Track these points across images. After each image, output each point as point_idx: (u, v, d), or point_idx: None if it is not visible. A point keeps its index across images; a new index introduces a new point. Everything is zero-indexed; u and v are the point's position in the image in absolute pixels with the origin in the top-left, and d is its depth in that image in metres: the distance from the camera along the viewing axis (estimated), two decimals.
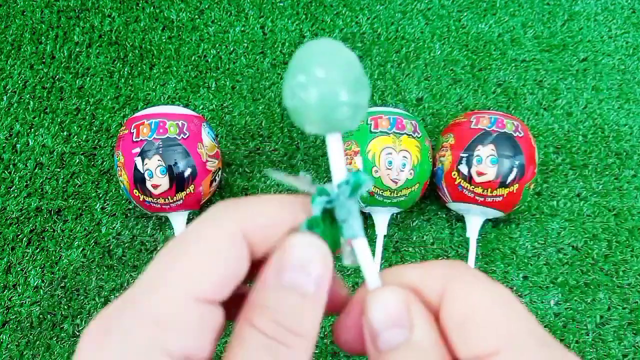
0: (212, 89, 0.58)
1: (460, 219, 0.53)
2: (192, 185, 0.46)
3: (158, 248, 0.51)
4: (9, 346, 0.48)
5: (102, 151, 0.55)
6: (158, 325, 0.14)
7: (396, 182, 0.46)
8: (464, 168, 0.47)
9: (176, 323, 0.14)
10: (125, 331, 0.14)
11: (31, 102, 0.57)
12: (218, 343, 0.16)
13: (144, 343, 0.14)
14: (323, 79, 0.15)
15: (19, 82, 0.58)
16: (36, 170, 0.55)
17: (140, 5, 0.62)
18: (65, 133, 0.56)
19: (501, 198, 0.46)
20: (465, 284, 0.17)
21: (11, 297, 0.50)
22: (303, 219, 0.17)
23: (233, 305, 0.17)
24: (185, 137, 0.46)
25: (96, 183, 0.54)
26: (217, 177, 0.49)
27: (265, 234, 0.16)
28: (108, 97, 0.58)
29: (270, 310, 0.15)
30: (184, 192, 0.46)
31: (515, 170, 0.46)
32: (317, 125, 0.16)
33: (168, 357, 0.14)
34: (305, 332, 0.15)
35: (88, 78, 0.59)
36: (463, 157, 0.47)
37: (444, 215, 0.53)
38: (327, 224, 0.17)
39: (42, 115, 0.57)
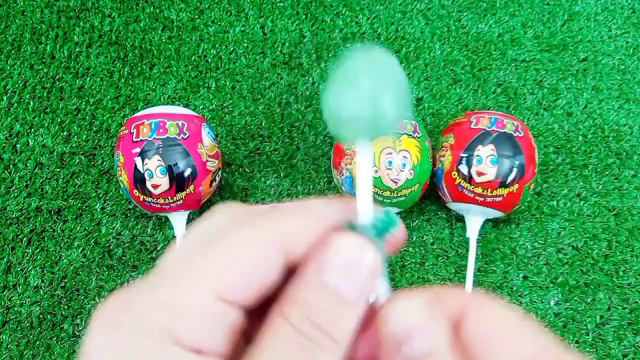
0: (212, 89, 0.58)
1: (460, 219, 0.53)
2: (192, 185, 0.46)
3: (158, 248, 0.51)
4: (9, 346, 0.48)
5: (102, 151, 0.55)
6: (172, 312, 0.14)
7: (396, 182, 0.46)
8: (464, 168, 0.47)
9: (191, 314, 0.14)
10: (139, 312, 0.14)
11: (31, 102, 0.57)
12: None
13: (155, 326, 0.14)
14: (376, 92, 0.15)
15: (19, 82, 0.58)
16: (36, 170, 0.55)
17: (140, 5, 0.62)
18: (65, 133, 0.56)
19: (501, 198, 0.46)
20: (488, 302, 0.16)
21: (11, 297, 0.50)
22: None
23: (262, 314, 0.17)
24: (185, 137, 0.46)
25: (96, 183, 0.54)
26: (217, 177, 0.49)
27: (300, 242, 0.16)
28: (108, 97, 0.58)
29: (307, 308, 0.15)
30: (184, 192, 0.46)
31: (515, 170, 0.46)
32: (361, 135, 0.16)
33: (176, 345, 0.14)
34: (339, 338, 0.15)
35: (88, 78, 0.59)
36: (463, 157, 0.47)
37: (444, 215, 0.53)
38: None
39: (42, 115, 0.57)
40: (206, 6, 0.62)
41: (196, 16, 0.62)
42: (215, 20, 0.62)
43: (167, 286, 0.14)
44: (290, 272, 0.16)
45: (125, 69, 0.59)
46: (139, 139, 0.45)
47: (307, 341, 0.14)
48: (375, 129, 0.16)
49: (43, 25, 0.61)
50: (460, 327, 0.16)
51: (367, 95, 0.15)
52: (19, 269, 0.51)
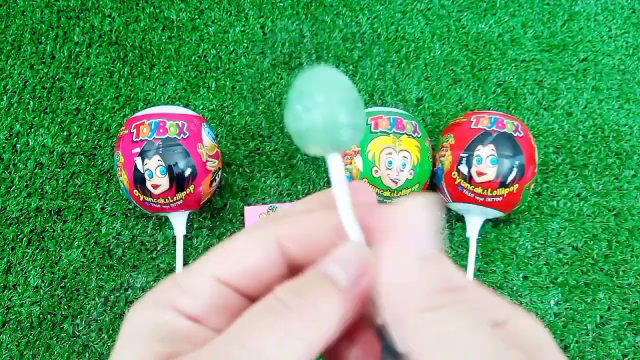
0: (212, 89, 0.58)
1: (460, 219, 0.53)
2: (192, 185, 0.46)
3: (158, 248, 0.51)
4: (9, 346, 0.48)
5: (102, 151, 0.55)
6: (179, 289, 0.17)
7: (396, 182, 0.46)
8: (464, 168, 0.47)
9: (193, 291, 0.17)
10: (158, 292, 0.17)
11: (31, 102, 0.57)
12: None
13: (164, 300, 0.17)
14: (326, 103, 0.17)
15: (19, 82, 0.58)
16: (36, 170, 0.55)
17: (140, 5, 0.62)
18: (65, 133, 0.56)
19: (501, 198, 0.46)
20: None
21: (11, 297, 0.50)
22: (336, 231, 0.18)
23: None
24: (185, 137, 0.46)
25: (96, 183, 0.54)
26: (217, 177, 0.49)
27: (301, 242, 0.18)
28: (108, 97, 0.58)
29: (295, 283, 0.16)
30: (184, 192, 0.46)
31: (515, 170, 0.46)
32: (321, 146, 0.18)
33: (175, 312, 0.17)
34: (320, 314, 0.16)
35: (88, 78, 0.59)
36: (463, 157, 0.47)
37: (444, 215, 0.53)
38: None
39: (42, 115, 0.57)
40: (206, 6, 0.62)
41: (196, 16, 0.62)
42: (215, 20, 0.62)
43: (183, 274, 0.18)
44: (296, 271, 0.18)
45: (125, 69, 0.59)
46: (139, 139, 0.45)
47: (280, 305, 0.16)
48: (333, 139, 0.17)
49: (43, 25, 0.61)
50: None
51: (319, 108, 0.17)
52: (19, 269, 0.51)
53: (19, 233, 0.52)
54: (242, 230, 0.19)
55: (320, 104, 0.17)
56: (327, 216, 0.18)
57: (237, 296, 0.17)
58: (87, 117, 0.57)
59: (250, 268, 0.18)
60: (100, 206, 0.53)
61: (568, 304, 0.50)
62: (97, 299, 0.50)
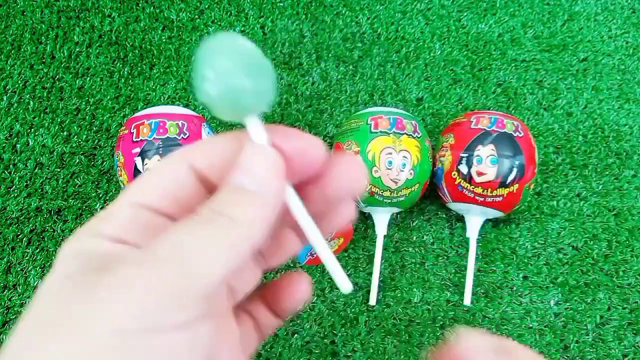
0: None
1: (460, 219, 0.53)
2: None
3: None
4: None
5: (102, 151, 0.55)
6: (97, 218, 0.18)
7: (396, 182, 0.46)
8: (464, 168, 0.47)
9: (111, 216, 0.18)
10: (84, 227, 0.18)
11: (31, 102, 0.57)
12: None
13: (88, 231, 0.18)
14: (222, 72, 0.17)
15: (19, 82, 0.58)
16: (36, 170, 0.55)
17: (140, 5, 0.62)
18: (65, 133, 0.56)
19: (501, 198, 0.46)
20: None
21: (11, 297, 0.50)
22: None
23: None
24: (185, 137, 0.46)
25: (96, 183, 0.54)
26: None
27: (209, 161, 0.19)
28: (108, 97, 0.58)
29: (211, 202, 0.17)
30: None
31: (515, 170, 0.46)
32: (229, 114, 0.18)
33: (98, 237, 0.17)
34: (240, 221, 0.17)
35: (88, 78, 0.59)
36: (463, 157, 0.47)
37: (444, 215, 0.53)
38: None
39: (42, 115, 0.57)
40: (206, 6, 0.62)
41: (196, 16, 0.62)
42: (215, 20, 0.62)
43: (109, 206, 0.19)
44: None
45: (125, 69, 0.59)
46: (139, 139, 0.45)
47: (200, 219, 0.17)
48: (238, 106, 0.18)
49: (43, 25, 0.61)
50: None
51: (218, 77, 0.17)
52: (19, 269, 0.51)
53: (19, 233, 0.52)
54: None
55: (217, 72, 0.17)
56: (233, 135, 0.19)
57: (158, 217, 0.18)
58: (87, 117, 0.57)
59: (164, 190, 0.18)
60: (100, 206, 0.53)
61: (568, 304, 0.50)
62: None
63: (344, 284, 0.19)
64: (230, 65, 0.17)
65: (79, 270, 0.16)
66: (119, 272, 0.15)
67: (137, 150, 0.45)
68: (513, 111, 0.57)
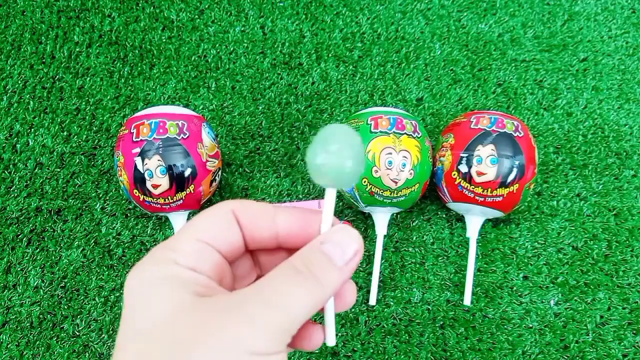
0: (212, 89, 0.58)
1: (460, 219, 0.53)
2: (192, 185, 0.46)
3: None
4: (9, 346, 0.48)
5: (102, 151, 0.55)
6: (172, 250, 0.21)
7: (396, 182, 0.46)
8: (464, 168, 0.47)
9: (183, 249, 0.21)
10: (154, 254, 0.21)
11: (31, 102, 0.57)
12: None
13: (162, 259, 0.21)
14: (339, 153, 0.22)
15: (19, 82, 0.58)
16: (36, 170, 0.55)
17: (140, 5, 0.62)
18: (65, 133, 0.56)
19: (501, 198, 0.46)
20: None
21: (11, 297, 0.50)
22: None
23: None
24: (185, 137, 0.46)
25: (96, 183, 0.54)
26: (217, 177, 0.49)
27: (252, 217, 0.23)
28: (108, 97, 0.58)
29: (304, 258, 0.21)
30: (184, 192, 0.46)
31: (515, 170, 0.46)
32: (329, 182, 0.23)
33: (176, 265, 0.21)
34: (325, 286, 0.21)
35: (88, 78, 0.59)
36: (463, 157, 0.47)
37: (444, 215, 0.53)
38: None
39: (42, 115, 0.57)
40: (206, 6, 0.62)
41: (196, 16, 0.62)
42: (215, 20, 0.62)
43: (171, 240, 0.22)
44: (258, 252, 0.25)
45: (125, 69, 0.59)
46: (139, 139, 0.45)
47: (298, 270, 0.21)
48: (339, 180, 0.23)
49: (43, 25, 0.61)
50: None
51: (335, 155, 0.22)
52: (19, 269, 0.51)
53: (19, 233, 0.52)
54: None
55: (336, 152, 0.22)
56: (272, 205, 0.24)
57: (217, 253, 0.22)
58: (87, 117, 0.57)
59: (218, 232, 0.22)
60: (100, 206, 0.53)
61: (568, 304, 0.50)
62: (97, 299, 0.50)
63: (332, 339, 0.25)
64: (348, 152, 0.23)
65: (187, 295, 0.20)
66: (244, 308, 0.19)
67: (137, 150, 0.45)
68: (513, 111, 0.57)
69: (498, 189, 0.46)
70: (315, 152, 0.23)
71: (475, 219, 0.49)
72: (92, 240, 0.52)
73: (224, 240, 0.23)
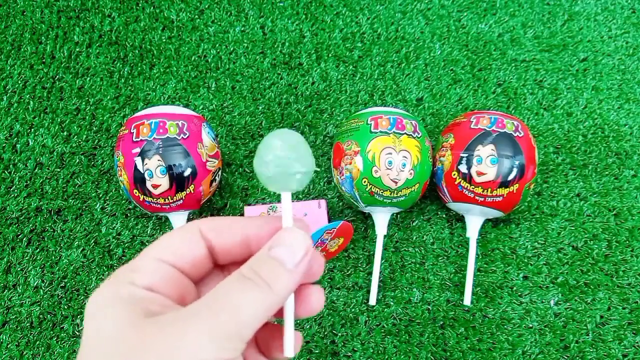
0: (212, 89, 0.58)
1: (460, 219, 0.53)
2: (192, 185, 0.46)
3: None
4: (9, 346, 0.48)
5: (102, 151, 0.55)
6: (132, 270, 0.22)
7: (396, 182, 0.46)
8: (463, 168, 0.47)
9: (143, 270, 0.22)
10: (116, 276, 0.22)
11: (31, 102, 0.57)
12: None
13: (122, 280, 0.21)
14: (283, 157, 0.23)
15: (19, 82, 0.58)
16: (36, 170, 0.55)
17: (140, 5, 0.62)
18: (65, 133, 0.56)
19: (501, 198, 0.46)
20: None
21: (11, 297, 0.50)
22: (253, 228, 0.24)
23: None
24: (185, 137, 0.46)
25: (96, 183, 0.54)
26: (217, 177, 0.49)
27: (219, 231, 0.23)
28: (108, 97, 0.58)
29: (253, 263, 0.22)
30: (184, 192, 0.46)
31: (515, 170, 0.46)
32: (279, 187, 0.24)
33: (132, 285, 0.21)
34: (276, 290, 0.21)
35: (88, 78, 0.59)
36: (463, 157, 0.47)
37: (444, 215, 0.53)
38: None
39: (42, 115, 0.57)
40: (206, 6, 0.62)
41: (196, 16, 0.62)
42: (215, 20, 0.62)
43: (133, 260, 0.23)
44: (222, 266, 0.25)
45: (125, 69, 0.59)
46: (139, 139, 0.45)
47: (244, 278, 0.21)
48: (286, 185, 0.23)
49: (43, 25, 0.61)
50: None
51: (279, 160, 0.23)
52: (19, 269, 0.51)
53: (19, 233, 0.52)
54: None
55: (280, 159, 0.23)
56: (242, 218, 0.24)
57: (177, 272, 0.23)
58: (87, 117, 0.57)
59: (181, 250, 0.23)
60: (100, 206, 0.53)
61: (568, 304, 0.50)
62: None
63: (289, 350, 0.24)
64: (284, 153, 0.23)
65: (136, 314, 0.20)
66: (191, 319, 0.20)
67: (137, 150, 0.45)
68: (513, 111, 0.57)
69: (498, 189, 0.46)
70: (260, 162, 0.23)
71: (475, 219, 0.49)
72: (92, 240, 0.52)
73: (187, 257, 0.23)
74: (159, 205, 0.46)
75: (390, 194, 0.47)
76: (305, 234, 0.23)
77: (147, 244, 0.52)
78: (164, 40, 0.60)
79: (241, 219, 0.24)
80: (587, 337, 0.48)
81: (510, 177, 0.46)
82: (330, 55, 0.60)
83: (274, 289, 0.21)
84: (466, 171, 0.46)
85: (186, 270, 0.23)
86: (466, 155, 0.47)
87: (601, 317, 0.49)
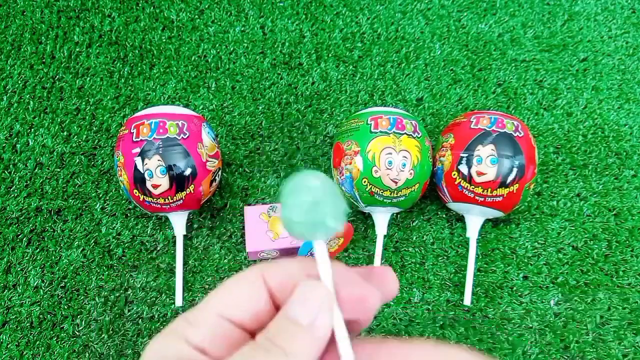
0: (212, 89, 0.58)
1: (460, 219, 0.53)
2: (192, 185, 0.46)
3: (158, 248, 0.51)
4: (9, 346, 0.48)
5: (102, 151, 0.55)
6: (188, 323, 0.20)
7: (396, 182, 0.46)
8: (464, 168, 0.47)
9: (199, 324, 0.20)
10: (172, 326, 0.20)
11: (31, 102, 0.57)
12: None
13: (175, 332, 0.20)
14: (316, 204, 0.20)
15: (19, 82, 0.58)
16: (36, 170, 0.55)
17: (140, 5, 0.62)
18: (65, 133, 0.56)
19: (501, 198, 0.46)
20: None
21: (11, 297, 0.50)
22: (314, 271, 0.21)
23: None
24: (185, 137, 0.46)
25: (96, 183, 0.54)
26: (217, 177, 0.49)
27: (282, 280, 0.21)
28: (108, 97, 0.58)
29: (267, 332, 0.20)
30: (184, 192, 0.46)
31: (515, 170, 0.46)
32: (308, 235, 0.21)
33: (184, 342, 0.20)
34: (293, 352, 0.19)
35: (88, 78, 0.59)
36: (463, 157, 0.47)
37: (444, 215, 0.53)
38: None
39: (42, 115, 0.57)
40: (206, 6, 0.62)
41: (196, 16, 0.62)
42: (215, 20, 0.62)
43: (191, 310, 0.21)
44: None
45: (125, 69, 0.59)
46: (139, 139, 0.45)
47: (259, 345, 0.19)
48: (317, 234, 0.21)
49: (43, 25, 0.61)
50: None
51: (308, 205, 0.20)
52: (19, 269, 0.51)
53: (19, 233, 0.52)
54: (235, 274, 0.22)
55: (310, 202, 0.20)
56: (302, 262, 0.22)
57: (237, 330, 0.20)
58: (87, 117, 0.57)
59: (245, 305, 0.21)
60: (100, 206, 0.53)
61: (568, 304, 0.50)
62: (97, 299, 0.50)
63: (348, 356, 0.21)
64: (312, 200, 0.20)
65: None
66: None
67: (137, 150, 0.45)
68: (513, 111, 0.57)
69: (498, 189, 0.46)
70: (290, 210, 0.21)
71: (475, 219, 0.49)
72: (92, 240, 0.52)
73: (249, 311, 0.21)
74: (159, 205, 0.46)
75: (390, 194, 0.47)
76: (322, 285, 0.20)
77: (147, 243, 0.52)
78: (164, 40, 0.60)
79: (302, 264, 0.21)
80: (587, 337, 0.48)
81: (510, 177, 0.46)
82: (330, 55, 0.60)
83: (291, 355, 0.19)
84: (466, 171, 0.46)
85: (246, 324, 0.21)
86: (466, 155, 0.47)
87: (601, 317, 0.49)
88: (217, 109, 0.57)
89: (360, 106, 0.57)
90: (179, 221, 0.49)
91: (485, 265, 0.51)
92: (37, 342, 0.48)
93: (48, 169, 0.54)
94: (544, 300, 0.50)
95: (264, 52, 0.60)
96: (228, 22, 0.61)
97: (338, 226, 0.21)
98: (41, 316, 0.49)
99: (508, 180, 0.46)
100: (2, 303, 0.50)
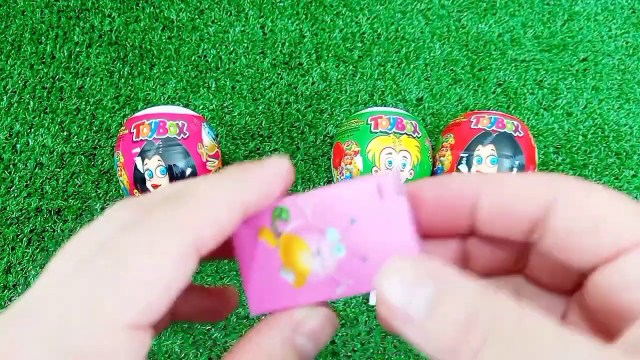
0: (212, 89, 0.58)
1: None
2: None
3: None
4: None
5: (102, 151, 0.55)
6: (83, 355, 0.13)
7: None
8: (464, 168, 0.47)
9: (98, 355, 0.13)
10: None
11: (31, 102, 0.57)
12: None
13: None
14: None
15: (19, 82, 0.58)
16: (36, 170, 0.55)
17: (140, 5, 0.62)
18: (65, 133, 0.56)
19: None
20: (581, 188, 0.16)
21: (11, 297, 0.50)
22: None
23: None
24: (185, 137, 0.46)
25: (96, 183, 0.54)
26: None
27: (217, 238, 0.16)
28: (108, 97, 0.58)
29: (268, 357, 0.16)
30: None
31: (515, 170, 0.46)
32: None
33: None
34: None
35: (88, 78, 0.59)
36: (463, 157, 0.47)
37: None
38: None
39: (42, 115, 0.57)
40: (206, 6, 0.62)
41: (196, 16, 0.62)
42: (215, 20, 0.62)
43: (76, 327, 0.14)
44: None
45: (125, 69, 0.59)
46: (139, 139, 0.45)
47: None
48: None
49: (43, 25, 0.61)
50: (545, 224, 0.16)
51: None
52: (19, 269, 0.51)
53: (19, 233, 0.52)
54: (149, 221, 0.16)
55: None
56: (236, 188, 0.18)
57: (140, 333, 0.14)
58: (87, 117, 0.57)
59: (160, 298, 0.15)
60: (100, 206, 0.53)
61: None
62: None
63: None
64: None
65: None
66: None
67: (137, 150, 0.45)
68: (513, 111, 0.57)
69: None
70: None
71: None
72: None
73: (165, 304, 0.16)
74: None
75: None
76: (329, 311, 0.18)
77: None
78: (164, 40, 0.60)
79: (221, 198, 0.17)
80: None
81: None
82: (330, 55, 0.60)
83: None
84: (466, 171, 0.46)
85: (154, 320, 0.16)
86: (466, 155, 0.47)
87: None
88: (217, 109, 0.57)
89: (360, 106, 0.57)
90: None
91: None
92: None
93: (48, 169, 0.55)
94: None
95: (264, 52, 0.60)
96: (228, 22, 0.62)
97: None
98: None
99: None
100: (2, 303, 0.50)
